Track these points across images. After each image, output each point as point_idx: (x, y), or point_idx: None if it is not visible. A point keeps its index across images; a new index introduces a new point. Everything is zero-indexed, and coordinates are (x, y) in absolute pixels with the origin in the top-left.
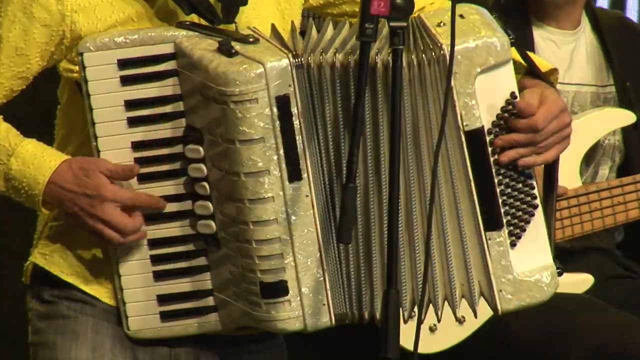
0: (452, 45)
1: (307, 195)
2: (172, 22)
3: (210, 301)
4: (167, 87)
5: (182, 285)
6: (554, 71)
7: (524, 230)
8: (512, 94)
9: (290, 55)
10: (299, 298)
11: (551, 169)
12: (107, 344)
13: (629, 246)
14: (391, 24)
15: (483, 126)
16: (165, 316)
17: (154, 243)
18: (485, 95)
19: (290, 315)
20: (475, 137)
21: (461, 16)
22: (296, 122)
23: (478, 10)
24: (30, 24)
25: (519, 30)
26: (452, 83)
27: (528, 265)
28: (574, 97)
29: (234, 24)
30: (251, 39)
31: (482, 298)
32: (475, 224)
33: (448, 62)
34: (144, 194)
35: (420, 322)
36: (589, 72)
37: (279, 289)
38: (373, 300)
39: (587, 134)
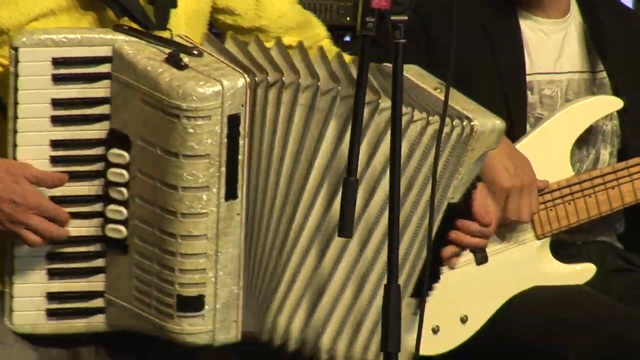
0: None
1: (238, 214)
2: (98, 20)
3: (100, 302)
4: (98, 90)
5: (74, 285)
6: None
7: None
8: (478, 178)
9: (245, 76)
10: (213, 313)
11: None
12: (9, 336)
13: (631, 238)
14: (392, 17)
15: (460, 202)
16: (52, 314)
17: (52, 241)
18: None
19: (202, 329)
20: (450, 209)
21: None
22: (242, 142)
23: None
24: None
25: (506, 23)
26: (465, 156)
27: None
28: (568, 86)
29: (168, 31)
30: (195, 52)
31: None
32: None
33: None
34: (64, 211)
35: (422, 317)
36: (581, 59)
37: (196, 303)
38: (288, 326)
39: (573, 124)
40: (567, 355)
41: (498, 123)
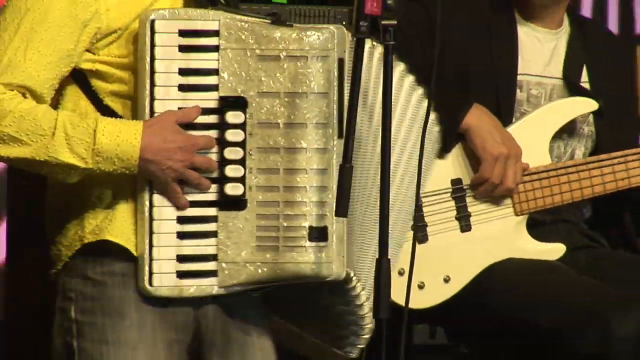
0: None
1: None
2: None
3: (213, 264)
4: (212, 61)
5: (197, 246)
6: None
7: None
8: None
9: (343, 28)
10: (332, 245)
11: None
12: (149, 323)
13: (595, 221)
14: (383, 22)
15: None
16: (181, 275)
17: (177, 206)
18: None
19: (327, 259)
20: None
21: None
22: (346, 84)
23: None
24: (76, 25)
25: (506, 26)
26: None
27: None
28: (553, 89)
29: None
30: (285, 22)
31: None
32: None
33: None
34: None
35: (410, 279)
36: (566, 64)
37: (324, 233)
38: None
39: (553, 118)
40: (539, 321)
41: None
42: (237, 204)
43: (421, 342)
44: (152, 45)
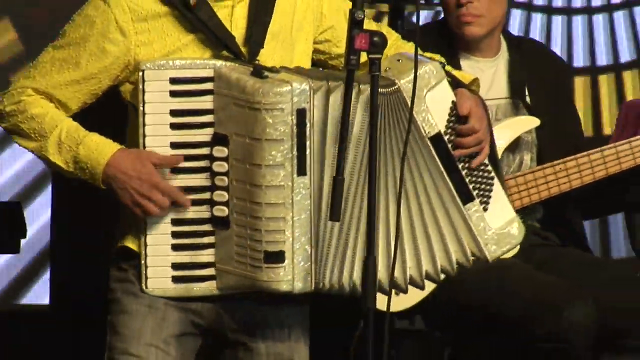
0: (415, 77)
1: (308, 188)
2: (212, 56)
3: (211, 271)
4: (204, 103)
5: (191, 257)
6: (475, 80)
7: (490, 197)
8: (453, 102)
9: (310, 80)
10: (292, 265)
11: (493, 152)
12: (160, 301)
13: (547, 221)
14: (370, 56)
15: (440, 130)
16: (176, 279)
17: (175, 222)
18: (435, 108)
19: (283, 278)
20: (436, 139)
21: (398, 60)
22: (308, 131)
23: (409, 54)
24: (104, 56)
25: (449, 61)
26: (423, 107)
27: (500, 221)
28: (497, 109)
29: (257, 61)
30: (274, 69)
31: (473, 257)
32: (455, 202)
33: (411, 91)
34: (177, 190)
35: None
36: (507, 88)
37: (278, 257)
38: (351, 276)
39: (504, 135)
40: (501, 312)
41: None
42: (224, 223)
43: (401, 327)
44: (143, 92)
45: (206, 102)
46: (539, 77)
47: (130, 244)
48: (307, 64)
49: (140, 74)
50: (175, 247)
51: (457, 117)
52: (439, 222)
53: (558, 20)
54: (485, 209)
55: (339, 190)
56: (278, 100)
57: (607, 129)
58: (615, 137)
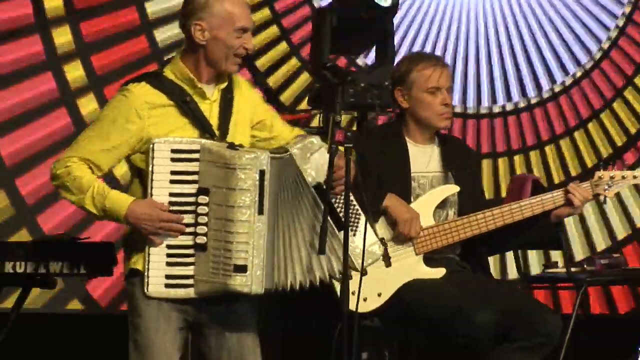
0: (329, 176)
1: (263, 222)
2: (199, 135)
3: (191, 281)
4: (192, 165)
5: (181, 269)
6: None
7: (357, 226)
8: (329, 161)
9: (268, 152)
10: (251, 275)
11: (362, 198)
12: (164, 303)
13: (463, 255)
14: (345, 145)
15: (319, 181)
16: (167, 286)
17: (169, 247)
18: (317, 165)
19: (246, 283)
20: (317, 187)
21: (296, 138)
22: (267, 185)
23: (303, 135)
24: (127, 132)
25: (399, 144)
26: (308, 165)
27: (366, 242)
28: (432, 178)
29: (226, 140)
30: (240, 146)
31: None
32: (332, 229)
33: (299, 156)
34: (177, 225)
35: (348, 286)
36: (438, 165)
37: (243, 268)
38: (288, 279)
39: (435, 198)
40: (431, 316)
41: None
42: (203, 248)
43: (364, 324)
44: (153, 157)
45: (194, 166)
46: (459, 160)
47: (138, 265)
48: (248, 144)
49: (152, 145)
50: (168, 264)
51: (330, 172)
52: (314, 245)
53: (469, 122)
54: (354, 234)
55: (324, 235)
56: (248, 162)
57: (503, 194)
58: (507, 200)
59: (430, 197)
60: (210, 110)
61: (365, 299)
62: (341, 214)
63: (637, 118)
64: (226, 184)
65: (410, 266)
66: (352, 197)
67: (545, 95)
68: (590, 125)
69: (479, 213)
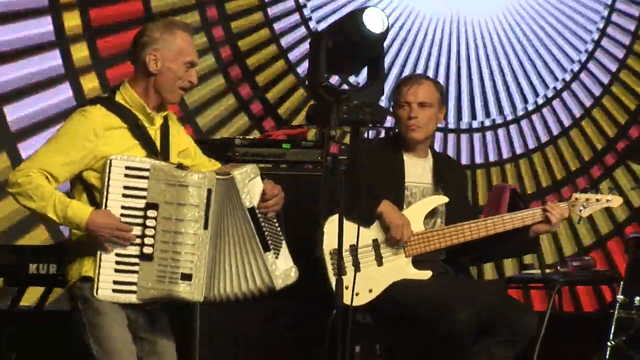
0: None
1: (208, 236)
2: (147, 155)
3: (134, 288)
4: (142, 182)
5: (126, 276)
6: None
7: (279, 250)
8: (263, 189)
9: (214, 173)
10: (196, 283)
11: (282, 227)
12: (117, 307)
13: (447, 260)
14: (340, 157)
15: (254, 205)
16: (114, 291)
17: (118, 255)
18: (252, 191)
19: (190, 291)
20: (251, 210)
21: (237, 163)
22: (212, 202)
23: (237, 164)
24: (84, 149)
25: (396, 156)
26: (246, 189)
27: (285, 266)
28: (424, 189)
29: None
30: (186, 167)
31: (271, 283)
32: (259, 250)
33: (240, 180)
34: (129, 234)
35: (340, 282)
36: (430, 177)
37: (189, 277)
38: (225, 291)
39: (425, 206)
40: (417, 312)
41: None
42: (149, 257)
43: (357, 320)
44: (109, 172)
45: (144, 182)
46: (449, 175)
47: (90, 273)
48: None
49: (109, 161)
50: (116, 270)
51: (262, 198)
52: (250, 261)
53: (450, 136)
54: (276, 257)
55: (317, 249)
56: (199, 181)
57: (481, 202)
58: (487, 206)
59: (421, 205)
60: (155, 135)
61: (357, 294)
62: (268, 238)
63: (603, 135)
64: (177, 200)
65: (400, 267)
66: (276, 222)
67: (520, 113)
68: (560, 141)
69: (465, 223)
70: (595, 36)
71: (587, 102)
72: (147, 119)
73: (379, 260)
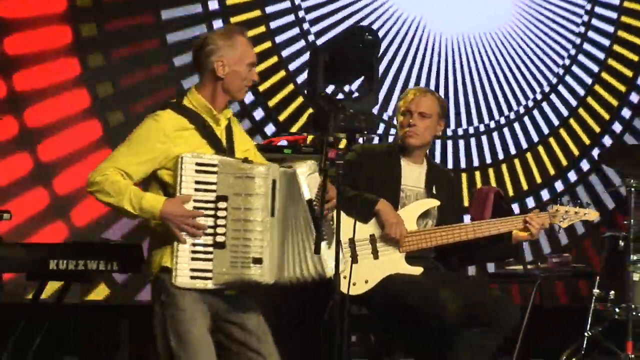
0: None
1: (275, 223)
2: (211, 151)
3: (210, 274)
4: (212, 176)
5: (202, 264)
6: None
7: (330, 241)
8: (320, 184)
9: (278, 165)
10: (266, 267)
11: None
12: (197, 296)
13: (437, 257)
14: (337, 161)
15: (311, 197)
16: (192, 277)
17: (193, 244)
18: (310, 185)
19: (262, 274)
20: (309, 202)
21: (298, 161)
22: (277, 192)
23: (305, 161)
24: (156, 150)
25: (394, 162)
26: (305, 183)
27: (332, 258)
28: (418, 193)
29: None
30: (251, 161)
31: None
32: (315, 240)
33: (300, 174)
34: (200, 222)
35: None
36: (424, 182)
37: (260, 261)
38: (296, 274)
39: (418, 207)
40: (410, 303)
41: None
42: (222, 245)
43: (354, 312)
44: (181, 169)
45: (214, 177)
46: (442, 182)
47: (169, 264)
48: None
49: (181, 158)
50: (193, 259)
51: (321, 192)
52: (308, 249)
53: (436, 142)
54: (329, 247)
55: (317, 248)
56: (265, 172)
57: (466, 202)
58: (473, 207)
59: (415, 206)
60: (221, 134)
61: (354, 284)
62: (323, 229)
63: (579, 144)
64: (245, 190)
65: (394, 261)
66: (332, 218)
67: (502, 120)
68: (539, 147)
69: (455, 225)
70: (572, 52)
71: (565, 112)
72: (213, 120)
73: (375, 253)
